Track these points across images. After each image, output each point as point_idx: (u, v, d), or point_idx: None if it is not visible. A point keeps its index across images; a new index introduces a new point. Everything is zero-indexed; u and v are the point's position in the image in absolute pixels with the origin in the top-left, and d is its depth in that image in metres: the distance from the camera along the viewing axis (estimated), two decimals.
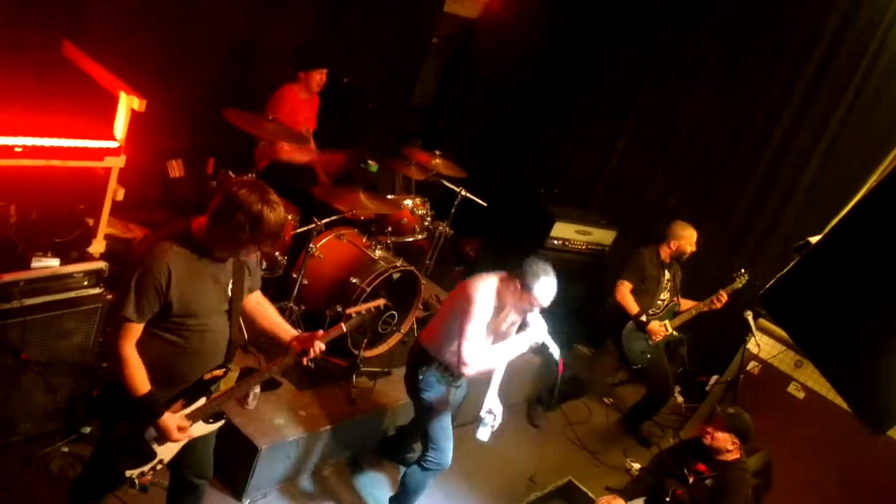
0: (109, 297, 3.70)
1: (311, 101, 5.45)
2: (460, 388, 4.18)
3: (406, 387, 4.09)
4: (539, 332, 3.69)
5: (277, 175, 5.21)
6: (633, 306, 5.44)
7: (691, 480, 4.20)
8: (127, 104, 3.74)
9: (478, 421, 3.97)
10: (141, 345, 2.72)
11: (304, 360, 3.09)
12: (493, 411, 3.88)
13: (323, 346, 3.09)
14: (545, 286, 3.63)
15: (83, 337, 3.67)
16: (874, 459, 5.07)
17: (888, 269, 1.56)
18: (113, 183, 3.80)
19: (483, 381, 4.05)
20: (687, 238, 5.49)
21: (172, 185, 5.47)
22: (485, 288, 3.72)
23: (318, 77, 5.28)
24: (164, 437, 2.83)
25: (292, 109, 5.23)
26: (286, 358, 3.11)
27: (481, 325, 3.68)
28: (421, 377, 3.91)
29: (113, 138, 3.72)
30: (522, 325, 3.83)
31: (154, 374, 2.75)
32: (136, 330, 2.70)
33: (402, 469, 4.33)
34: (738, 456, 4.15)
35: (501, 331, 3.88)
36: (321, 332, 3.12)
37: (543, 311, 3.76)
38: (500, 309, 3.77)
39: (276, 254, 4.60)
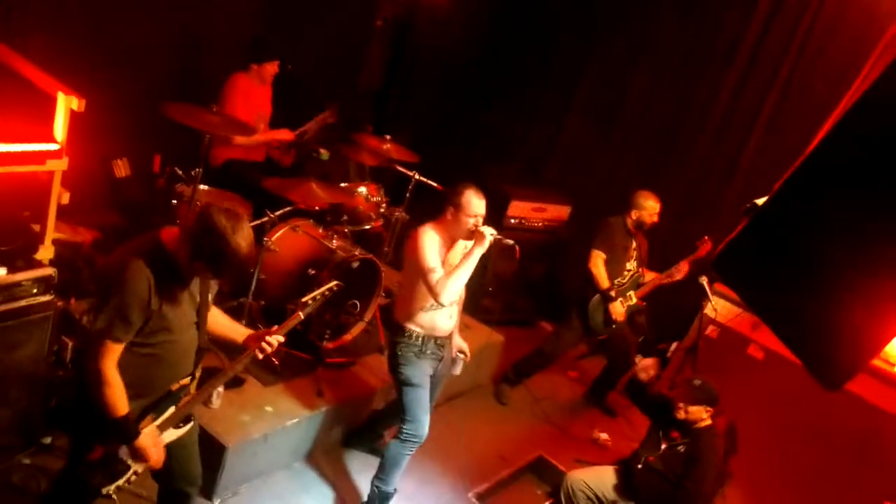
0: (60, 303, 3.62)
1: (264, 88, 5.38)
2: (443, 360, 4.20)
3: (388, 363, 4.18)
4: (488, 234, 3.82)
5: (233, 172, 5.14)
6: (604, 280, 5.48)
7: (664, 447, 4.25)
8: (65, 104, 3.62)
9: (452, 361, 4.30)
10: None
11: (261, 356, 3.07)
12: (463, 350, 4.29)
13: (282, 339, 3.08)
14: (469, 193, 3.84)
15: (36, 346, 3.57)
16: (834, 413, 5.21)
17: (832, 227, 1.59)
18: (57, 186, 3.69)
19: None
20: (648, 209, 5.50)
21: (119, 185, 5.36)
22: (423, 229, 3.92)
23: (271, 68, 5.23)
24: (140, 457, 2.83)
25: (246, 97, 5.16)
26: (245, 357, 3.08)
27: (434, 254, 3.84)
28: (399, 352, 4.01)
29: (54, 140, 3.61)
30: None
31: (126, 390, 2.72)
32: (118, 350, 2.67)
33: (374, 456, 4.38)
34: (710, 423, 4.18)
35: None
36: (275, 327, 3.11)
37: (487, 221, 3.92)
38: (447, 244, 3.93)
39: None
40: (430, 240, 3.88)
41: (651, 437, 4.38)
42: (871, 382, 5.16)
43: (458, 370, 4.37)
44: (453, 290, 3.85)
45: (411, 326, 3.99)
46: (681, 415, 4.16)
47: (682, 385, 4.28)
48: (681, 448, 4.18)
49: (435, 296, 3.83)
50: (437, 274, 3.81)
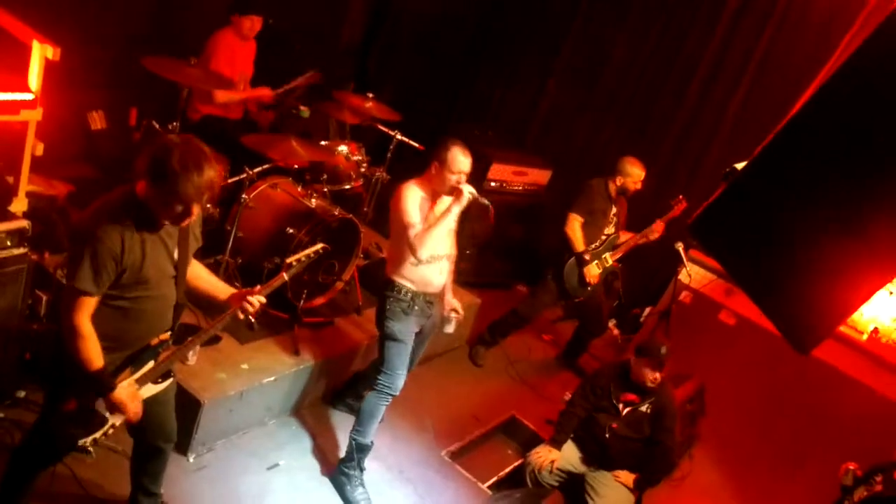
0: (34, 256, 3.58)
1: (247, 46, 5.26)
2: (431, 318, 4.24)
3: (375, 315, 4.20)
4: (466, 192, 3.87)
5: (211, 127, 5.06)
6: (579, 243, 5.49)
7: (625, 412, 4.28)
8: (40, 53, 3.54)
9: (444, 320, 4.32)
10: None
11: (242, 315, 3.05)
12: (455, 308, 4.25)
13: (263, 300, 3.06)
14: (456, 150, 3.87)
15: (10, 299, 3.54)
16: (801, 379, 5.34)
17: (807, 194, 1.62)
18: (31, 137, 3.63)
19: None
20: (633, 176, 5.50)
21: (95, 137, 5.27)
22: (407, 185, 3.97)
23: (248, 24, 5.09)
24: (116, 409, 2.82)
25: (229, 55, 5.05)
26: (226, 315, 3.06)
27: (415, 210, 3.89)
28: (388, 307, 4.02)
29: (28, 90, 3.54)
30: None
31: (102, 342, 2.71)
32: (92, 303, 2.65)
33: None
34: (660, 378, 4.25)
35: None
36: (258, 286, 3.09)
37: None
38: (431, 200, 3.97)
39: (208, 205, 4.48)
40: (412, 195, 3.92)
41: (604, 406, 4.35)
42: (838, 349, 5.27)
43: (450, 328, 4.38)
44: (429, 244, 3.90)
45: (401, 281, 4.00)
46: (637, 377, 4.24)
47: (636, 350, 4.33)
48: (645, 408, 4.27)
49: (412, 250, 3.87)
50: (414, 230, 3.86)
